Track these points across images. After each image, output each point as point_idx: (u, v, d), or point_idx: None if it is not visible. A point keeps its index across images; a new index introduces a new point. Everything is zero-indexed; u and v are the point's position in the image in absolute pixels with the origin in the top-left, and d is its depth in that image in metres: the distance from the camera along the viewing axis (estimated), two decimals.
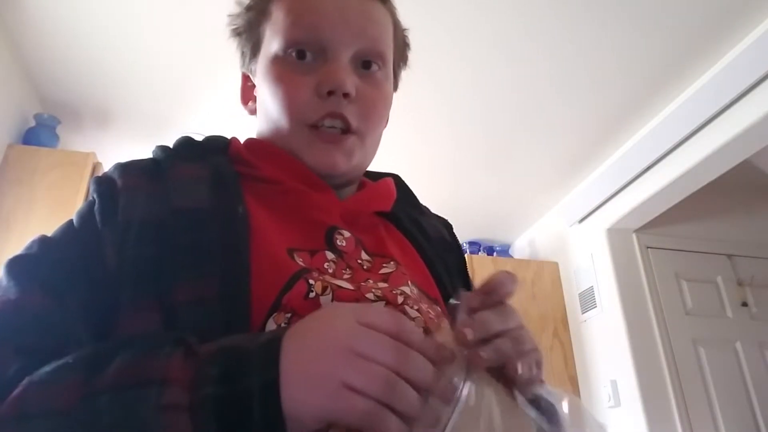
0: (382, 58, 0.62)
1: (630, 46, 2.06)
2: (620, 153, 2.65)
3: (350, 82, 0.57)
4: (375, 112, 0.61)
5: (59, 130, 2.34)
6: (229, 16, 0.67)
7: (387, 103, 0.64)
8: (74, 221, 0.53)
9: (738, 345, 2.66)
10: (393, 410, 0.35)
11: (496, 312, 0.44)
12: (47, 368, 0.39)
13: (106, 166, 2.28)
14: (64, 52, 2.12)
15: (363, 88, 0.60)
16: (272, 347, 0.37)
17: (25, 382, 0.38)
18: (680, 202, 2.55)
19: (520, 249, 3.56)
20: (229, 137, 0.67)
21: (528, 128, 2.53)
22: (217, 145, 0.65)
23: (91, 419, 0.35)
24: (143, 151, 2.76)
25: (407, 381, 0.36)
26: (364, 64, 0.61)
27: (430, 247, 0.66)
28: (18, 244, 1.95)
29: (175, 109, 2.42)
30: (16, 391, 0.37)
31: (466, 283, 0.69)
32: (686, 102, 2.25)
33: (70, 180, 2.13)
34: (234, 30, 0.67)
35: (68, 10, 1.94)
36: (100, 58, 2.14)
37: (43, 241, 0.52)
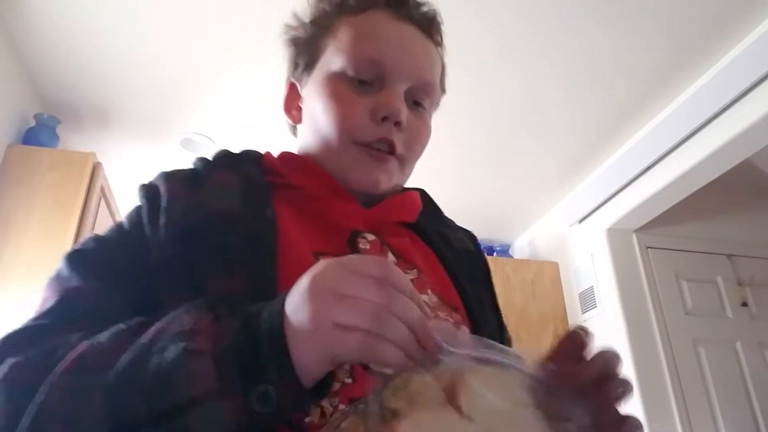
0: (431, 99, 0.68)
1: (630, 46, 2.06)
2: (620, 153, 2.65)
3: (404, 112, 0.62)
4: (419, 144, 0.66)
5: (59, 130, 2.34)
6: (287, 26, 0.71)
7: (428, 138, 0.69)
8: (124, 223, 0.59)
9: (738, 345, 2.66)
10: (386, 340, 0.37)
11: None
12: (104, 332, 0.44)
13: (107, 166, 2.28)
14: (64, 52, 2.12)
15: (412, 120, 0.64)
16: (278, 299, 0.41)
17: (85, 343, 0.43)
18: (680, 202, 2.55)
19: (520, 249, 3.56)
20: (262, 152, 0.71)
21: (528, 129, 2.53)
22: (250, 157, 0.69)
23: (130, 366, 0.40)
24: (143, 151, 2.77)
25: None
26: (415, 102, 0.66)
27: (453, 257, 0.69)
28: (18, 244, 1.95)
29: (176, 109, 2.42)
30: (76, 350, 0.43)
31: (491, 291, 0.73)
32: (686, 102, 2.26)
33: (70, 180, 2.12)
34: (293, 39, 0.71)
35: (68, 10, 1.94)
36: (100, 58, 2.14)
37: (96, 239, 0.58)
